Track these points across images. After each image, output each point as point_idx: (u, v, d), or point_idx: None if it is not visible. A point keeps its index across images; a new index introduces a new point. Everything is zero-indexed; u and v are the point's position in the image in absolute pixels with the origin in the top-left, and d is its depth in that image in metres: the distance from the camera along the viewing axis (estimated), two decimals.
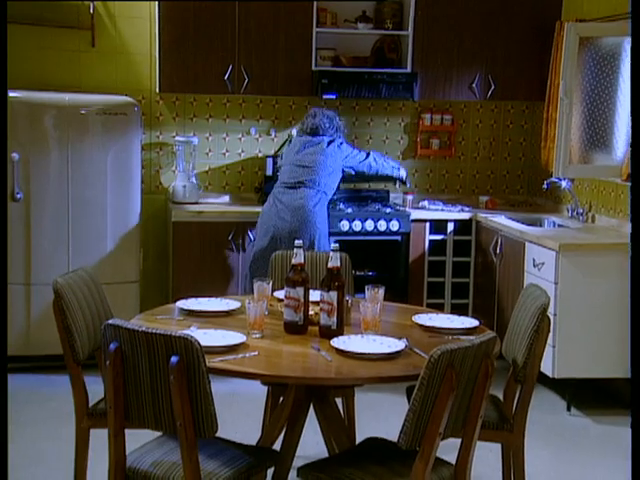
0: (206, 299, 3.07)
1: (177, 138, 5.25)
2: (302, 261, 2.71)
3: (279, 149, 5.39)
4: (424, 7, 5.18)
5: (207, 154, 5.39)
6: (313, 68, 5.10)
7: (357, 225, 5.02)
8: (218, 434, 2.28)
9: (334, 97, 5.18)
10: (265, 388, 3.35)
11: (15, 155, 4.47)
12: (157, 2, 4.96)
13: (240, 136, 5.42)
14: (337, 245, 2.71)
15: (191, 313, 2.93)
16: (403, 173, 5.01)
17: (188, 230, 4.94)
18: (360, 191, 5.48)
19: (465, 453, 2.31)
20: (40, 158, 4.56)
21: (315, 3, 5.07)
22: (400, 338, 2.63)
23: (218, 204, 5.25)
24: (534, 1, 5.27)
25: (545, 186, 4.98)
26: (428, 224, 5.16)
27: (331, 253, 2.70)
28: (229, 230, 4.96)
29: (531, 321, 2.75)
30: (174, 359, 2.16)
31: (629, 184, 4.23)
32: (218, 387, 2.46)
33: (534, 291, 2.90)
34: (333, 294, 2.64)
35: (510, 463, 2.85)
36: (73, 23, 4.99)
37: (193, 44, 4.97)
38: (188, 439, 2.18)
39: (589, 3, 4.95)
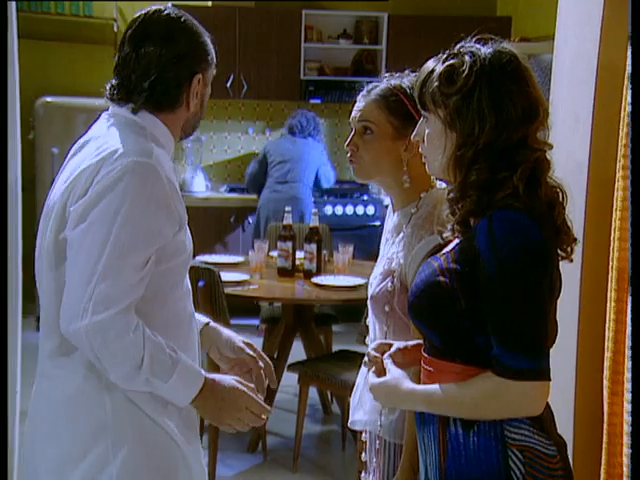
0: (218, 255, 4.02)
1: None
2: (291, 222, 3.68)
3: None
4: (396, 25, 6.13)
5: (212, 150, 6.33)
6: (302, 77, 6.04)
7: (339, 210, 5.94)
8: None
9: (319, 101, 6.14)
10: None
11: (55, 150, 5.40)
12: None
13: (240, 135, 6.36)
14: (316, 210, 3.67)
15: (207, 263, 3.86)
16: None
17: (196, 214, 5.85)
18: (342, 182, 6.39)
19: None
20: None
21: (303, 22, 6.01)
22: (363, 277, 3.57)
23: (221, 193, 6.17)
24: (489, 20, 6.22)
25: None
26: None
27: (312, 217, 3.66)
28: (230, 214, 5.89)
29: None
30: (201, 283, 3.10)
31: None
32: None
33: None
34: (313, 246, 3.60)
35: None
36: (99, 40, 5.92)
37: None
38: None
39: (532, 24, 5.91)
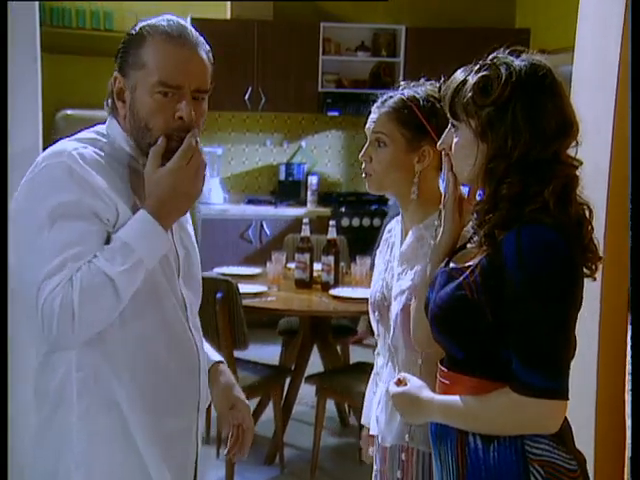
0: (235, 267, 4.02)
1: (204, 149, 6.18)
2: (308, 234, 3.68)
3: (290, 158, 6.36)
4: (414, 37, 6.14)
5: (229, 162, 6.36)
6: (319, 89, 6.06)
7: (356, 222, 5.94)
8: None
9: (337, 114, 6.15)
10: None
11: None
12: None
13: (257, 147, 6.38)
14: (334, 222, 3.67)
15: (224, 275, 3.87)
16: None
17: (214, 225, 5.89)
18: (359, 194, 6.39)
19: None
20: None
21: (321, 34, 6.04)
22: None
23: (239, 204, 6.19)
24: (508, 32, 6.21)
25: None
26: None
27: (330, 229, 3.66)
28: (248, 225, 5.90)
29: None
30: (219, 294, 3.10)
31: None
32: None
33: None
34: (331, 258, 3.60)
35: None
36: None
37: (219, 69, 5.89)
38: (228, 351, 3.12)
39: (551, 36, 5.89)
